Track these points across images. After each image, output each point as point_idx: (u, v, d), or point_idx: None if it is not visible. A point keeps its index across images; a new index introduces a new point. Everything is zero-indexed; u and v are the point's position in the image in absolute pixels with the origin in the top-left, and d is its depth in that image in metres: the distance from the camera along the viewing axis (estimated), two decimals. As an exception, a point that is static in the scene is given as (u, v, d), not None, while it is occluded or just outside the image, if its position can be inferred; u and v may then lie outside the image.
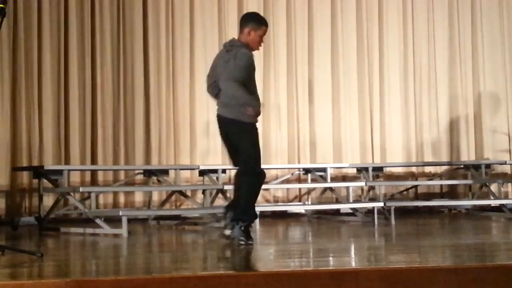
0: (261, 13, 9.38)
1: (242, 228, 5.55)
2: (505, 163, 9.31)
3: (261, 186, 5.79)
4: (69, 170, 7.75)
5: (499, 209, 8.39)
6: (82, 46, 8.81)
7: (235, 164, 5.81)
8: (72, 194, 7.42)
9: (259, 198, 9.31)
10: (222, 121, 5.72)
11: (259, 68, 9.35)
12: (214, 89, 5.80)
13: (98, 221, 6.95)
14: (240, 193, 5.67)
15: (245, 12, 9.28)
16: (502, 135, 9.89)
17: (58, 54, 8.73)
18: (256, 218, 5.78)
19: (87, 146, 8.74)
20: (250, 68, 5.62)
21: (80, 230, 6.99)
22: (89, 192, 7.58)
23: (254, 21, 5.76)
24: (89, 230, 6.86)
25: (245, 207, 5.61)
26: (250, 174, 5.63)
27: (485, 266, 4.11)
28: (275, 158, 9.33)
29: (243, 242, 5.49)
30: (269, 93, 9.40)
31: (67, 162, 8.59)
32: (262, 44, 5.81)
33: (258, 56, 9.36)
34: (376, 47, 9.76)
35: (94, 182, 8.72)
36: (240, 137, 5.64)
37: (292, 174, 9.29)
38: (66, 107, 8.73)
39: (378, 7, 9.81)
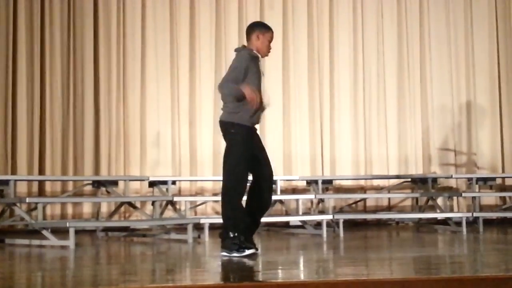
0: (212, 24, 9.49)
1: (232, 241, 5.48)
2: (451, 177, 9.48)
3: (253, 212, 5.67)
4: (15, 180, 7.62)
5: (445, 222, 8.53)
6: (31, 55, 8.69)
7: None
8: (18, 204, 7.29)
9: (206, 209, 9.34)
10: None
11: (210, 80, 9.37)
12: None
13: (44, 232, 6.84)
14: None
15: (195, 21, 9.36)
16: (449, 147, 10.07)
17: (6, 61, 8.59)
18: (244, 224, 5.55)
19: (35, 156, 8.61)
20: (243, 68, 5.50)
21: (26, 241, 6.88)
22: (36, 203, 7.45)
23: (261, 26, 5.88)
24: (35, 242, 6.76)
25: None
26: (227, 195, 5.56)
27: (430, 279, 4.18)
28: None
29: (225, 254, 5.49)
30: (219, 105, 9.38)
31: (13, 172, 8.45)
32: (270, 50, 5.77)
33: (210, 68, 9.42)
34: (326, 59, 9.84)
35: (41, 192, 8.59)
36: (226, 141, 5.68)
37: (242, 186, 9.27)
38: (13, 115, 8.59)
39: (329, 19, 9.89)
